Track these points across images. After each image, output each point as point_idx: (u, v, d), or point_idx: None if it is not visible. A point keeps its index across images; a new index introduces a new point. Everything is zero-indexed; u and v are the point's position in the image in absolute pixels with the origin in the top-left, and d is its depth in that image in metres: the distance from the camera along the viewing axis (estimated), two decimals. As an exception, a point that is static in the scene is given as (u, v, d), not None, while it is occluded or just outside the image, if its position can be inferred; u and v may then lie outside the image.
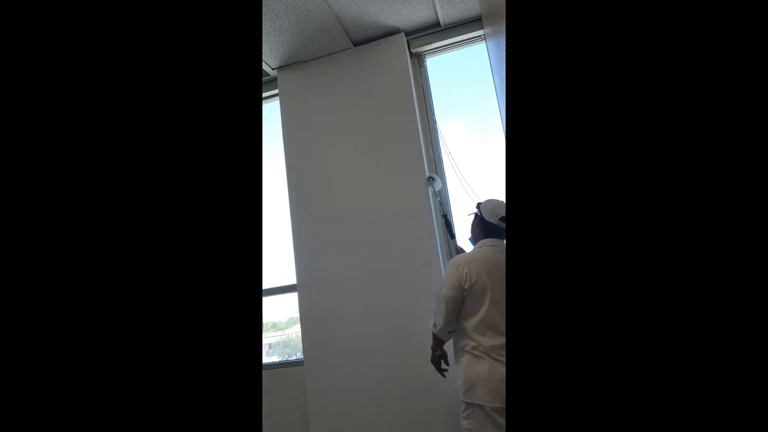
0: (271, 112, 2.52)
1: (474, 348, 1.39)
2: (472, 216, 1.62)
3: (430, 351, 1.57)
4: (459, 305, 1.42)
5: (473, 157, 2.23)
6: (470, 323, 1.41)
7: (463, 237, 1.90)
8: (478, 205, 1.56)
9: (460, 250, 1.91)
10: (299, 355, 2.27)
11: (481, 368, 1.37)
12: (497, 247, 1.49)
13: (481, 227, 1.53)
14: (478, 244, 1.53)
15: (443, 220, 2.08)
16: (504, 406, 1.30)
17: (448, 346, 1.54)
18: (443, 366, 1.57)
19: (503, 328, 1.37)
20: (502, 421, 1.32)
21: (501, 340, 1.37)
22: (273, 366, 2.27)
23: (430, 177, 2.05)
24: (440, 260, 1.99)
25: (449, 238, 2.07)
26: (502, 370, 1.34)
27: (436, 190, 2.09)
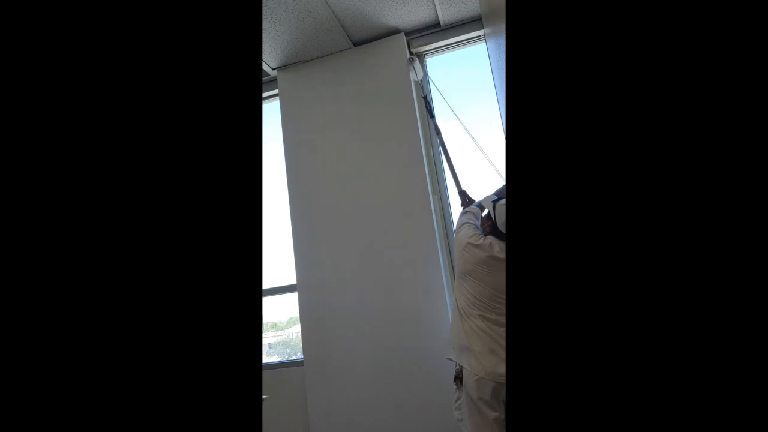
0: (271, 112, 2.52)
1: (469, 317, 1.45)
2: (485, 210, 1.63)
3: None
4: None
5: (473, 157, 2.22)
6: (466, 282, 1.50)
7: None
8: (494, 202, 1.55)
9: (440, 134, 1.95)
10: (299, 355, 2.27)
11: (470, 359, 1.41)
12: (499, 247, 1.51)
13: (491, 230, 1.56)
14: (487, 237, 1.55)
15: (423, 101, 2.12)
16: (488, 398, 1.36)
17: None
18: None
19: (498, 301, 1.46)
20: (489, 413, 1.36)
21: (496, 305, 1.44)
22: (273, 366, 2.27)
23: (410, 58, 2.07)
24: (440, 260, 1.99)
25: (428, 117, 2.10)
26: (487, 361, 1.38)
27: (417, 74, 2.10)
